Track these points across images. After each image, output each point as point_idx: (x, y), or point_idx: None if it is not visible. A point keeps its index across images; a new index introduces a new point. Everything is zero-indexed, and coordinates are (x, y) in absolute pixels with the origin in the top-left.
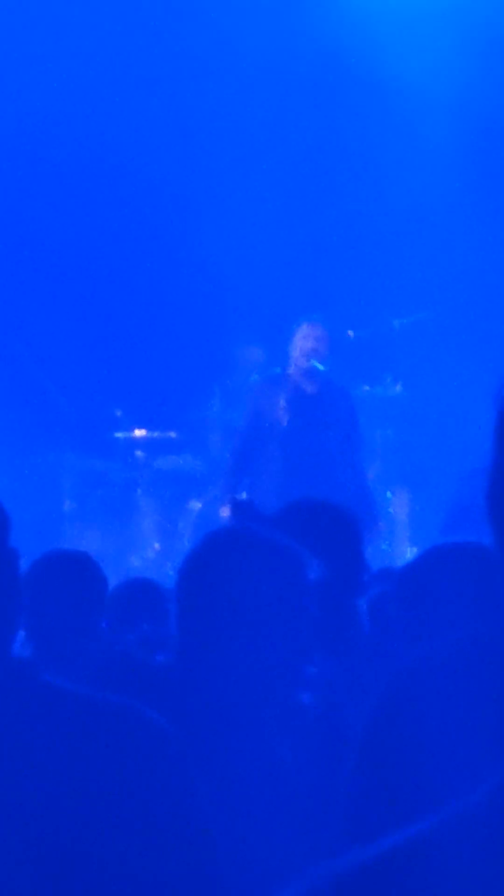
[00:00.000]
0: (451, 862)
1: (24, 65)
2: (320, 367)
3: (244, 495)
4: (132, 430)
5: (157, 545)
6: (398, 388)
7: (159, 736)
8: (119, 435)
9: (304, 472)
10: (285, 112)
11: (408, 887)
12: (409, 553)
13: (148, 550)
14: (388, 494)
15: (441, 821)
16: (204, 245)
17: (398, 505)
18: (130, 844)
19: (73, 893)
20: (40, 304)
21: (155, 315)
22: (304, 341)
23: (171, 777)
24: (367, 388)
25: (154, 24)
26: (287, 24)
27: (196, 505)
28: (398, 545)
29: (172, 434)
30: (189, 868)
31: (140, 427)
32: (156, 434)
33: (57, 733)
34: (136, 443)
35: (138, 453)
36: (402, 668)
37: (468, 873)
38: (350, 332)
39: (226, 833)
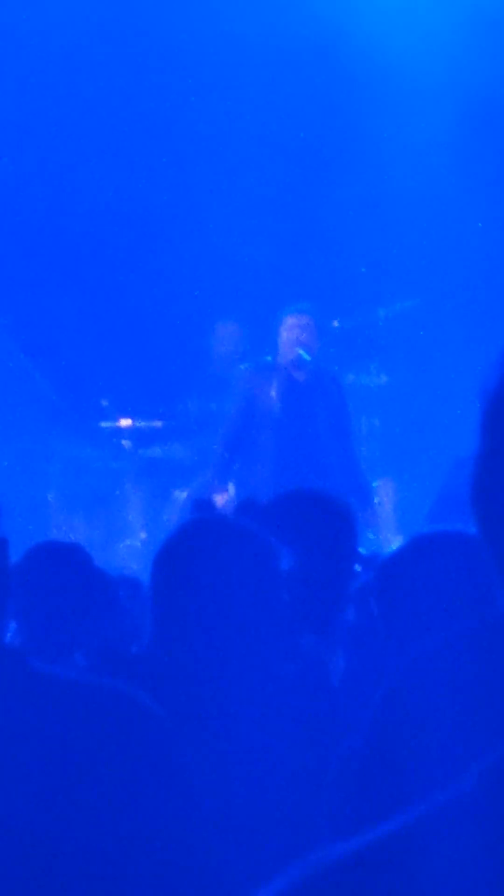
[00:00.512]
0: (441, 847)
1: (23, 58)
2: (306, 356)
3: (231, 485)
4: (118, 419)
5: (143, 534)
6: (383, 377)
7: (151, 719)
8: (105, 424)
9: (295, 461)
10: (273, 103)
11: (399, 873)
12: (395, 542)
13: (134, 540)
14: (374, 484)
15: (431, 807)
16: (189, 235)
17: (384, 494)
18: (124, 828)
19: (69, 878)
20: (27, 293)
21: (141, 304)
22: (289, 331)
23: (164, 760)
24: (352, 377)
25: (150, 10)
26: (285, 8)
27: (182, 494)
28: (384, 534)
29: (158, 423)
30: (182, 850)
31: (126, 416)
32: (142, 423)
33: (47, 719)
34: (122, 432)
35: (124, 442)
36: (402, 663)
37: (458, 858)
38: (335, 322)
39: (218, 816)
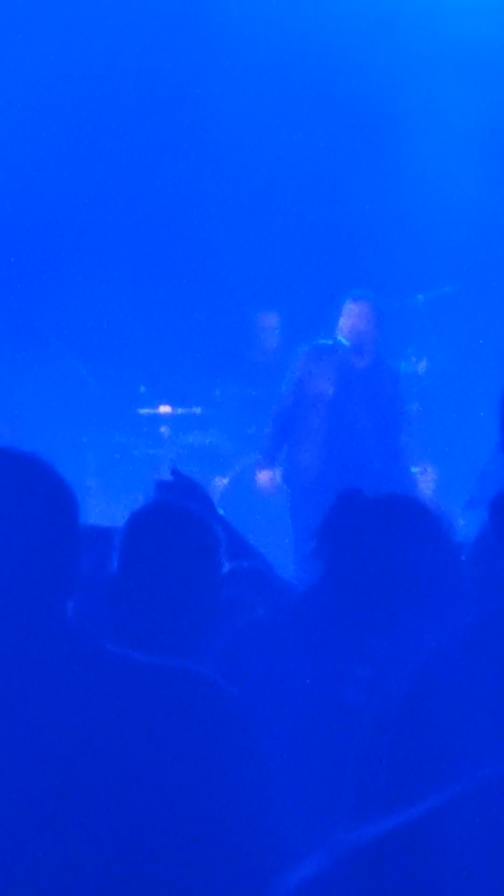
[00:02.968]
0: (469, 831)
1: (25, 54)
2: (345, 342)
3: (277, 471)
4: (157, 406)
5: None
6: (423, 363)
7: (224, 700)
8: (143, 411)
9: (342, 446)
10: (316, 88)
11: (426, 855)
12: None
13: None
14: (414, 469)
15: (460, 792)
16: (227, 222)
17: (423, 480)
18: (198, 804)
19: (141, 850)
20: (65, 280)
21: (179, 291)
22: (344, 318)
23: (237, 739)
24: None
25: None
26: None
27: (221, 481)
28: None
29: (197, 410)
30: (256, 827)
31: (165, 403)
32: (180, 410)
33: (123, 700)
34: (161, 419)
35: (163, 429)
36: (434, 648)
37: (485, 842)
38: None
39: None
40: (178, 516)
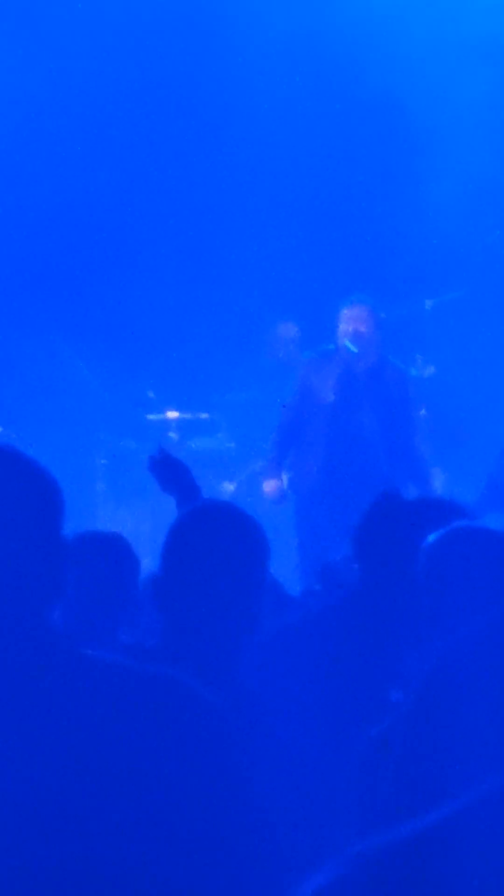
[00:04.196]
0: (485, 839)
1: (24, 55)
2: (353, 347)
3: (285, 472)
4: (165, 411)
5: None
6: (430, 368)
7: (202, 705)
8: (152, 416)
9: (349, 450)
10: (314, 90)
11: (443, 862)
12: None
13: None
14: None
15: (476, 798)
16: (237, 227)
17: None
18: (176, 809)
19: (118, 857)
20: (73, 285)
21: (188, 296)
22: (344, 323)
23: (215, 746)
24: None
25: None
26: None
27: (229, 486)
28: None
29: (205, 415)
30: (233, 833)
31: (173, 408)
32: (188, 415)
33: (99, 704)
34: (169, 424)
35: (171, 434)
36: (443, 652)
37: (500, 850)
38: (382, 313)
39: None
40: (226, 519)
